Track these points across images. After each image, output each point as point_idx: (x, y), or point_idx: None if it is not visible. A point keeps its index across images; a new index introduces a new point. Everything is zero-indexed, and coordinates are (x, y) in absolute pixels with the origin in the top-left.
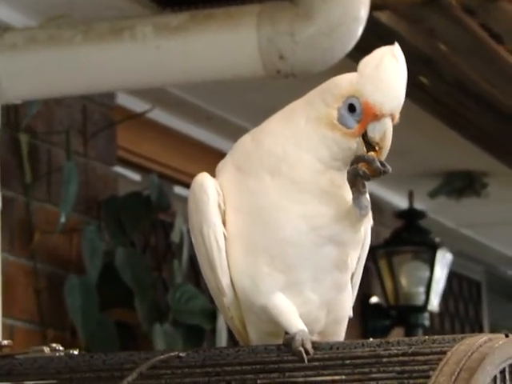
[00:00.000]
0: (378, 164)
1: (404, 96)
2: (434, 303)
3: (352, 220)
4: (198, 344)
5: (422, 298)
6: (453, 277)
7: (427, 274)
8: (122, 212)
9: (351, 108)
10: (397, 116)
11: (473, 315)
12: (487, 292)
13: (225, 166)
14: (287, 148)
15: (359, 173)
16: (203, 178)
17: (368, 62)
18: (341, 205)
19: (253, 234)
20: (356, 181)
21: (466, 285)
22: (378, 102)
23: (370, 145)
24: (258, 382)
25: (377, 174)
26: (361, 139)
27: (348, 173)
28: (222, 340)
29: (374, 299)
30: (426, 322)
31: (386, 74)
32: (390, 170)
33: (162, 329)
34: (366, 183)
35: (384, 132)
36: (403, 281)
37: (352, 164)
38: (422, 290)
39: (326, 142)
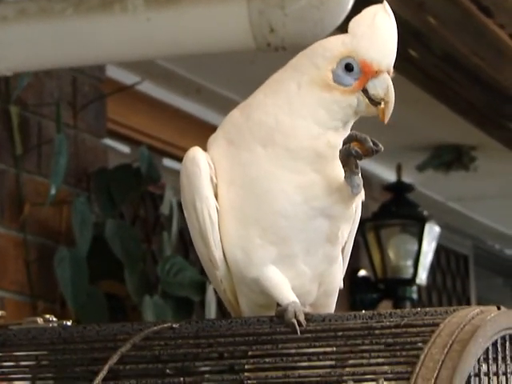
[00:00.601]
0: (371, 143)
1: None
2: (422, 277)
3: (344, 196)
4: (187, 316)
5: (410, 271)
6: (440, 250)
7: (415, 247)
8: (112, 184)
9: (348, 67)
10: (391, 71)
11: (460, 289)
12: (474, 266)
13: (216, 140)
14: (281, 117)
15: (351, 152)
16: (195, 151)
17: (360, 20)
18: (334, 174)
19: (245, 207)
20: (348, 160)
21: (453, 258)
22: (375, 59)
23: (374, 102)
24: (250, 353)
25: (369, 153)
26: (362, 95)
27: (340, 152)
28: (211, 312)
29: (362, 272)
30: (414, 296)
31: (381, 31)
32: (382, 148)
33: (152, 301)
34: (358, 162)
35: (387, 86)
36: (391, 254)
37: (344, 143)
38: (409, 263)
39: (323, 103)
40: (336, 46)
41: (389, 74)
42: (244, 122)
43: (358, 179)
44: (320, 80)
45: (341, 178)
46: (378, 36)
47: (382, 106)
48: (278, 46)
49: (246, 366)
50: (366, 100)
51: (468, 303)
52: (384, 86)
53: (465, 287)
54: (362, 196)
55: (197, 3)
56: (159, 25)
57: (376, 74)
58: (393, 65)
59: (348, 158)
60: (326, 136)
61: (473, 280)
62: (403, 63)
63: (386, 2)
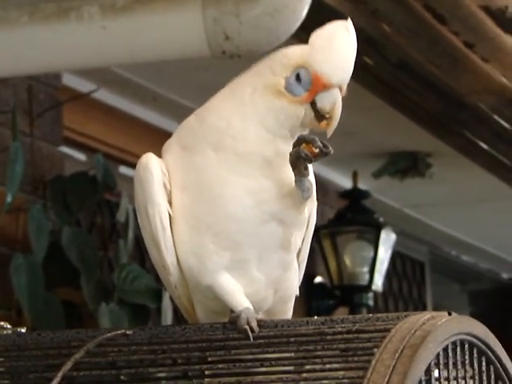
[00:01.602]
0: (320, 144)
1: (352, 69)
2: (378, 283)
3: (295, 200)
4: (143, 323)
5: (366, 277)
6: (397, 257)
7: (371, 253)
8: (68, 191)
9: (299, 78)
10: (344, 88)
11: (416, 295)
12: (431, 272)
13: (170, 146)
14: (232, 120)
15: (301, 154)
16: (148, 158)
17: (320, 34)
18: (284, 180)
19: (198, 212)
20: (298, 163)
21: (409, 265)
22: (326, 73)
23: (319, 115)
24: (209, 359)
25: (319, 155)
26: (309, 108)
27: (290, 155)
28: (168, 319)
29: (319, 279)
30: (370, 302)
31: (337, 46)
32: (332, 151)
33: (108, 308)
34: (310, 165)
35: (334, 101)
36: (347, 261)
37: (294, 146)
38: (366, 269)
39: (272, 109)
40: (294, 54)
41: (341, 91)
42: (198, 126)
43: (308, 183)
44: (273, 85)
45: (291, 183)
46: (333, 51)
47: (325, 122)
48: (233, 54)
49: (200, 372)
50: (313, 114)
51: (424, 309)
52: (331, 100)
53: (421, 293)
54: (314, 201)
55: (152, 11)
56: (115, 33)
57: (326, 87)
58: (346, 82)
59: (298, 160)
60: (275, 143)
61: (429, 286)
62: (358, 71)
63: (349, 20)
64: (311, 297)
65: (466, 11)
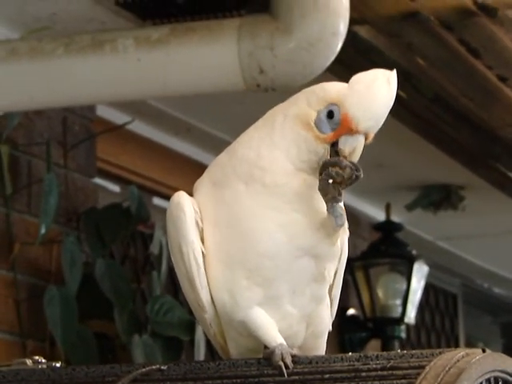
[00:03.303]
0: (349, 164)
1: (383, 121)
2: (411, 315)
3: (328, 230)
4: (176, 355)
5: (399, 310)
6: (429, 289)
7: (404, 286)
8: (102, 223)
9: (330, 114)
10: (371, 136)
11: (449, 327)
12: (463, 304)
13: (201, 183)
14: (262, 149)
15: (332, 174)
16: (180, 196)
17: (361, 78)
18: (315, 211)
19: (230, 248)
20: (329, 188)
21: (442, 297)
22: (356, 118)
23: (337, 155)
24: None
25: (350, 176)
26: (329, 148)
27: (320, 180)
28: (201, 351)
29: (351, 311)
30: (403, 335)
31: (374, 95)
32: (362, 174)
33: (141, 340)
34: (342, 191)
35: (354, 147)
36: (380, 293)
37: (320, 172)
38: (398, 302)
39: (297, 140)
40: (331, 90)
41: (366, 139)
42: (228, 160)
43: (341, 209)
44: (304, 116)
45: (322, 215)
46: (368, 98)
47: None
48: (267, 87)
49: None
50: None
51: (456, 342)
52: (352, 145)
53: (453, 326)
54: (346, 232)
55: (187, 44)
56: (149, 65)
57: (352, 131)
58: (375, 131)
59: (328, 185)
60: (301, 175)
61: (461, 318)
62: (392, 104)
63: (394, 71)
64: (344, 329)
65: (499, 45)
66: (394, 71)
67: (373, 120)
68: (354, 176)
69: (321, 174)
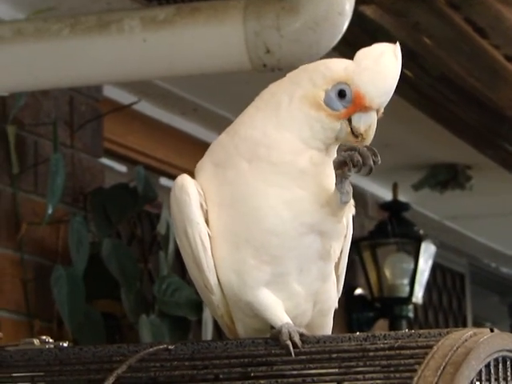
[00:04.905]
0: (372, 157)
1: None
2: (418, 295)
3: (333, 207)
4: (184, 335)
5: (407, 289)
6: (436, 269)
7: (411, 265)
8: (109, 203)
9: (341, 94)
10: (381, 111)
11: (456, 307)
12: (470, 284)
13: (203, 165)
14: (268, 129)
15: (354, 159)
16: (183, 179)
17: (367, 53)
18: (320, 189)
19: (236, 227)
20: (344, 166)
21: (449, 277)
22: (369, 94)
23: (352, 134)
24: (251, 374)
25: (369, 166)
26: (346, 123)
27: (340, 156)
28: (208, 331)
29: (359, 291)
30: (410, 314)
31: (383, 70)
32: (380, 161)
33: (148, 320)
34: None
35: (370, 124)
36: (387, 273)
37: (345, 150)
38: (406, 281)
39: (309, 120)
40: (338, 69)
41: (378, 114)
42: (230, 140)
43: (348, 186)
44: (312, 97)
45: (328, 192)
46: (379, 73)
47: (359, 139)
48: (273, 67)
49: None
50: (349, 129)
51: (464, 321)
52: (367, 122)
53: (461, 305)
54: (352, 210)
55: (193, 24)
56: (155, 45)
57: (365, 108)
58: (385, 105)
59: (344, 164)
60: (309, 153)
61: (469, 298)
62: (399, 83)
63: (398, 44)
64: (351, 309)
65: (506, 24)
66: (398, 44)
67: (385, 95)
68: (372, 163)
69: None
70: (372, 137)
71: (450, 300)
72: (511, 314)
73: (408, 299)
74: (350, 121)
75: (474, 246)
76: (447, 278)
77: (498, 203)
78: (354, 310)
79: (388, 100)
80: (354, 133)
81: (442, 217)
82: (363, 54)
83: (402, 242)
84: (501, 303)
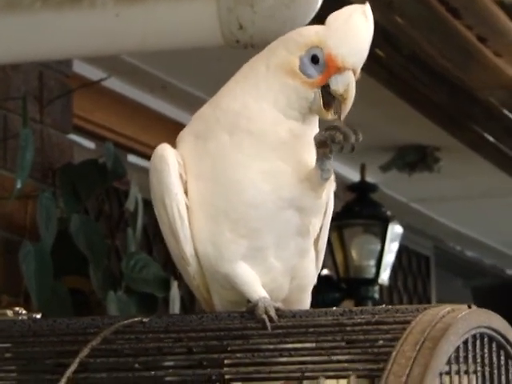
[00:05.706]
0: (352, 132)
1: (367, 54)
2: (384, 277)
3: (313, 183)
4: (151, 312)
5: (373, 271)
6: (402, 251)
7: (378, 247)
8: (77, 179)
9: (314, 59)
10: (358, 72)
11: (421, 290)
12: (435, 267)
13: (184, 136)
14: (247, 100)
15: (335, 138)
16: (163, 149)
17: (337, 16)
18: (300, 162)
19: (215, 199)
20: (325, 145)
21: (415, 259)
22: (340, 55)
23: (331, 97)
24: (229, 348)
25: (351, 144)
26: (319, 91)
27: (321, 135)
28: (175, 309)
29: (325, 272)
30: (376, 295)
31: (353, 29)
32: (361, 138)
33: (116, 296)
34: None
35: (348, 84)
36: (354, 254)
37: (326, 130)
38: (372, 263)
39: (285, 89)
40: (309, 34)
41: (354, 74)
42: (211, 112)
43: (329, 164)
44: (287, 64)
45: (308, 167)
46: (349, 33)
47: (330, 112)
48: (246, 43)
49: (217, 361)
50: (321, 101)
51: (428, 304)
52: (345, 82)
53: (426, 288)
54: (333, 185)
55: None
56: (127, 20)
57: (340, 70)
58: (360, 66)
59: (325, 144)
60: (288, 123)
61: (434, 281)
62: (370, 63)
63: (367, 4)
64: (317, 289)
65: (479, 5)
66: (368, 4)
67: (358, 54)
68: (353, 141)
69: (326, 131)
70: (353, 96)
71: (415, 282)
72: (474, 298)
73: (374, 280)
74: (324, 90)
75: (439, 228)
76: (412, 260)
77: (465, 186)
78: (319, 291)
79: (362, 60)
80: (334, 96)
81: (409, 199)
82: (333, 17)
83: (369, 223)
84: (464, 286)
